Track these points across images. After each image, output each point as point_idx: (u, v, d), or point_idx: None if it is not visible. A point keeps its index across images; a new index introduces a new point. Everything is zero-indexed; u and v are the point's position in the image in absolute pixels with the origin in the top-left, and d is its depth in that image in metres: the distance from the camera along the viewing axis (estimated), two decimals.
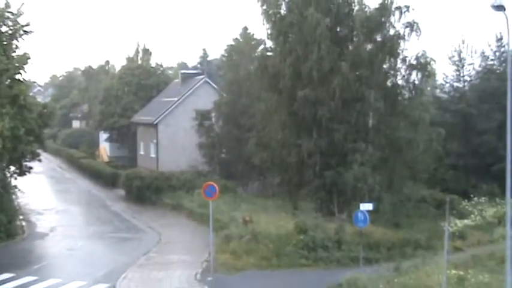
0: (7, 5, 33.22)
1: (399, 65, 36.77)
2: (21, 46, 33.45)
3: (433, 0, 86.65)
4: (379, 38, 36.41)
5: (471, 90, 55.41)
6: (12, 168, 37.18)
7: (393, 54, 36.37)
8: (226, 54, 61.24)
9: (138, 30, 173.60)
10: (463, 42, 55.71)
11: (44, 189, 56.08)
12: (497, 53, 54.79)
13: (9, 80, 33.04)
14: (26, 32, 33.23)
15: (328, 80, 34.85)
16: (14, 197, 39.60)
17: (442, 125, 41.15)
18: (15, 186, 38.30)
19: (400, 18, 35.90)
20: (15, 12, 33.13)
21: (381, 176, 34.92)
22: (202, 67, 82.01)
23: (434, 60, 36.74)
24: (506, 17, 17.57)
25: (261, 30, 36.20)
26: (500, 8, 17.51)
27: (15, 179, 37.78)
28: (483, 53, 54.89)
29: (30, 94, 40.95)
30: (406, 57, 36.48)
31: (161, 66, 73.40)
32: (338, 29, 36.87)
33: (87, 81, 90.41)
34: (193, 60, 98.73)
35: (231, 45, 59.17)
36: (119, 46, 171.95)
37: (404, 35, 35.92)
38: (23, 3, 33.34)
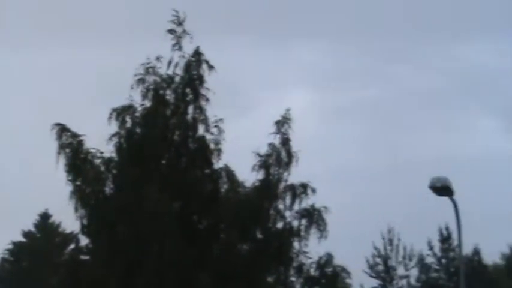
0: None
1: (293, 278, 24.02)
2: None
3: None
4: (259, 235, 23.95)
5: None
6: None
7: (282, 261, 23.71)
8: (11, 258, 47.62)
9: None
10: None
11: None
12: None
13: None
14: None
15: None
16: None
17: None
18: None
19: (293, 203, 23.76)
20: None
21: None
22: None
23: (348, 273, 23.98)
24: None
25: (68, 218, 23.55)
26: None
27: None
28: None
29: None
30: (302, 265, 23.71)
31: None
32: (195, 219, 23.99)
33: None
34: None
35: (19, 242, 46.09)
36: None
37: (300, 230, 23.59)
38: None
